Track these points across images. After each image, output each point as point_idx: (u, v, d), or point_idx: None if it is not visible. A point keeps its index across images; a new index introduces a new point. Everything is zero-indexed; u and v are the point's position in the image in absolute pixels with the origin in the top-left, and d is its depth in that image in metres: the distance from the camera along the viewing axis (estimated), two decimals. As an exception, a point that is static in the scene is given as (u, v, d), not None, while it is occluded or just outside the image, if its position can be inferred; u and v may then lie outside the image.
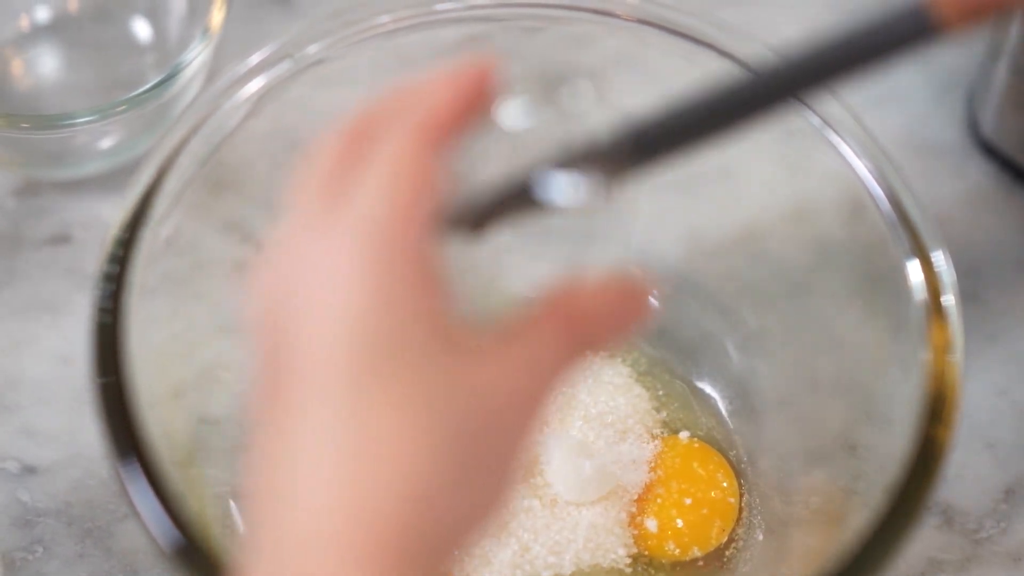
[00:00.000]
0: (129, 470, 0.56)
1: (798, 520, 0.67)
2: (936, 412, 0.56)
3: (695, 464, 0.69)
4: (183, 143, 0.63)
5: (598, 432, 0.69)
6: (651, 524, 0.68)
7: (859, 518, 0.56)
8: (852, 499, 0.62)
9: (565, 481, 0.67)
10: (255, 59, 0.66)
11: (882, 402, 0.62)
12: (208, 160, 0.65)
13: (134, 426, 0.57)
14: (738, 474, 0.70)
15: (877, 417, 0.62)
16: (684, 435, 0.71)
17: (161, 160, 0.63)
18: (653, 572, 0.68)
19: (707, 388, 0.73)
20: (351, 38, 0.67)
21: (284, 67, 0.66)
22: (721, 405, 0.73)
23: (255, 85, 0.66)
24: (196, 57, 0.79)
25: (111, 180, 0.82)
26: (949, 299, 0.59)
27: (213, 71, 0.82)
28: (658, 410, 0.72)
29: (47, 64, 0.86)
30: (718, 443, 0.72)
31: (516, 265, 0.72)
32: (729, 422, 0.72)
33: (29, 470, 0.74)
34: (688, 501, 0.68)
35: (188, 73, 0.79)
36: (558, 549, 0.67)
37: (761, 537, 0.69)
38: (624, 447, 0.69)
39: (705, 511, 0.68)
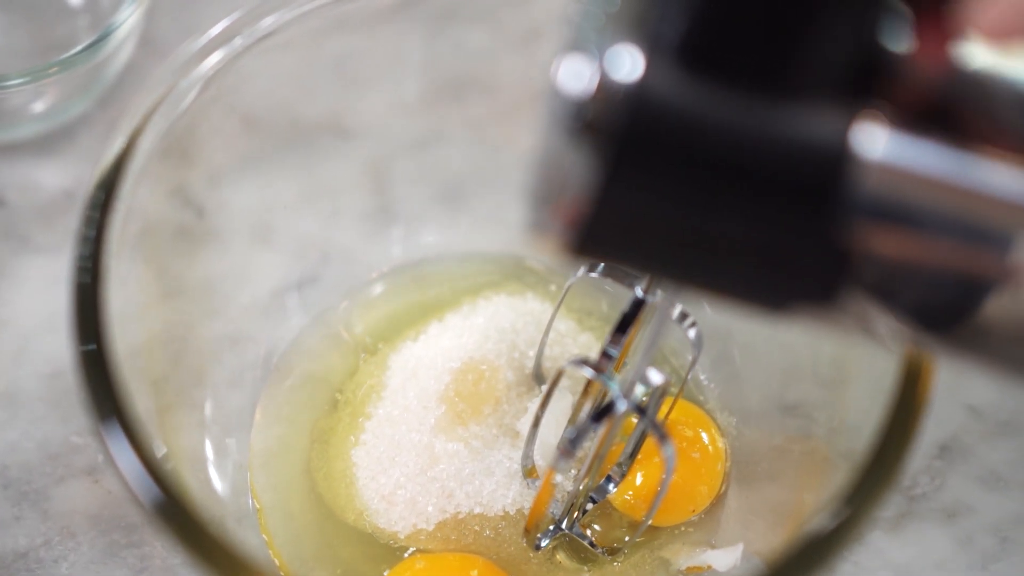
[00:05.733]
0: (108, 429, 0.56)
1: (771, 477, 0.69)
2: (914, 370, 0.58)
3: (682, 428, 0.69)
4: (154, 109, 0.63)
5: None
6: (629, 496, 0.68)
7: (837, 477, 0.57)
8: (830, 458, 0.63)
9: (544, 450, 0.68)
10: (216, 30, 0.66)
11: (860, 359, 0.63)
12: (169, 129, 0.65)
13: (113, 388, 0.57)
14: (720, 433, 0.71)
15: (855, 375, 0.63)
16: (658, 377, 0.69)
17: (131, 130, 0.63)
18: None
19: (684, 343, 0.74)
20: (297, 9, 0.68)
21: (236, 41, 0.66)
22: (699, 361, 0.73)
23: (214, 59, 0.66)
24: (127, 19, 0.79)
25: (45, 143, 0.81)
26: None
27: (145, 33, 0.82)
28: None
29: (-22, 27, 0.85)
30: (696, 398, 0.73)
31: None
32: (706, 379, 0.74)
33: (-35, 432, 0.73)
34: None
35: (120, 35, 0.79)
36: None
37: (735, 497, 0.70)
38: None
39: (687, 487, 0.69)
